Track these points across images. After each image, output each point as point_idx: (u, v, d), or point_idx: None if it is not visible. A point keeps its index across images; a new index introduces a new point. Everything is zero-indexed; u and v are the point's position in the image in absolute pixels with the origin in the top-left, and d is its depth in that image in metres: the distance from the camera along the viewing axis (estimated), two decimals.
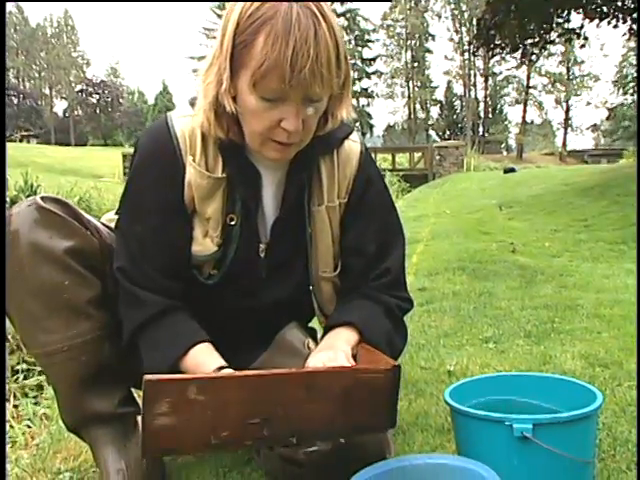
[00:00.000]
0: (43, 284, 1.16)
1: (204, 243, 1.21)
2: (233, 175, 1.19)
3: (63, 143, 48.00)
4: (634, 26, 11.31)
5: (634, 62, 47.42)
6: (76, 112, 62.99)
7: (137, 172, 1.21)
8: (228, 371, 1.09)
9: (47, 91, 64.97)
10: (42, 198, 1.20)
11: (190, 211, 1.20)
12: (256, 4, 1.01)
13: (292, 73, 0.98)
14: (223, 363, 1.12)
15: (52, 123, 60.49)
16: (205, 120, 1.12)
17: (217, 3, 52.76)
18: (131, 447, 1.26)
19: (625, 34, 11.91)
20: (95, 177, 19.45)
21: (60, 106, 67.36)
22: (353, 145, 1.27)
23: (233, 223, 1.21)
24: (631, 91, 47.84)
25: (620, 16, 11.09)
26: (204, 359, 1.13)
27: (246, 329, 1.32)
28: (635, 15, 10.98)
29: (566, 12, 11.25)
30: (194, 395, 0.90)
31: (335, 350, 1.10)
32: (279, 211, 1.23)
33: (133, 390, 1.36)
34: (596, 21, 11.23)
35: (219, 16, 53.40)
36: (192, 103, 1.19)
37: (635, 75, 45.86)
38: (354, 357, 1.13)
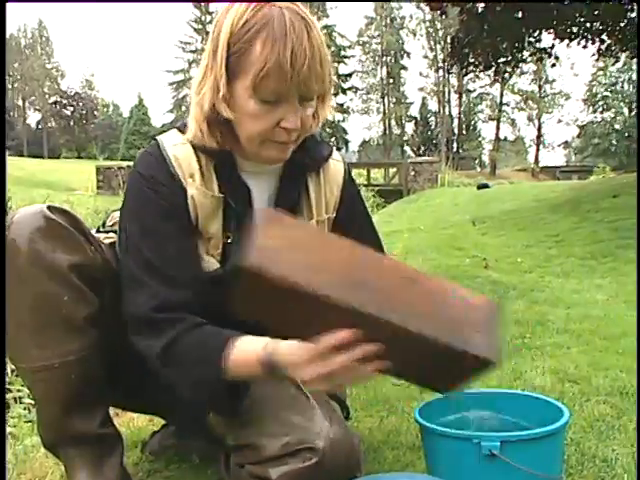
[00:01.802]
0: (41, 297, 1.13)
1: (208, 260, 1.21)
2: (227, 193, 1.20)
3: (36, 155, 47.35)
4: (602, 47, 11.60)
5: (603, 81, 48.62)
6: (50, 124, 62.25)
7: (141, 204, 1.16)
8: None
9: (20, 102, 64.12)
10: (49, 208, 1.17)
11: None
12: (248, 14, 1.06)
13: (293, 72, 1.04)
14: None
15: (25, 135, 59.68)
16: (198, 131, 1.15)
17: (194, 17, 52.85)
18: (106, 470, 1.25)
19: (594, 54, 12.20)
20: (68, 190, 19.19)
21: (33, 118, 66.57)
22: (337, 164, 1.33)
23: (230, 241, 1.21)
24: (600, 109, 48.98)
25: (589, 37, 11.38)
26: (251, 344, 1.04)
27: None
28: (604, 36, 11.28)
29: (537, 32, 11.51)
30: (301, 233, 0.91)
31: None
32: None
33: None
34: (566, 41, 11.51)
35: (195, 30, 53.45)
36: (181, 130, 1.20)
37: (605, 94, 46.97)
38: None
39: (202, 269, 1.20)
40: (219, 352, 1.04)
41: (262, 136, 1.11)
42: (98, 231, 1.34)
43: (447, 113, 53.63)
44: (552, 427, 1.12)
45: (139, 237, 1.15)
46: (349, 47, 54.67)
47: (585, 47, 11.59)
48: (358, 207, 1.37)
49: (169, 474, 1.46)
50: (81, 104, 60.89)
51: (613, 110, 49.52)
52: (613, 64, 35.65)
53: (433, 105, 57.33)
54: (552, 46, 12.13)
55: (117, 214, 1.33)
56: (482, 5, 10.95)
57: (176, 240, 1.16)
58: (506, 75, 15.02)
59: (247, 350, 1.03)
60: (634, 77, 44.51)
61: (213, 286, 1.18)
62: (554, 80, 51.21)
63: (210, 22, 46.84)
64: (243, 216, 1.19)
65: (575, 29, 11.24)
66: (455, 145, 53.67)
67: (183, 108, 52.19)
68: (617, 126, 48.70)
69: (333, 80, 1.17)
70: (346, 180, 1.33)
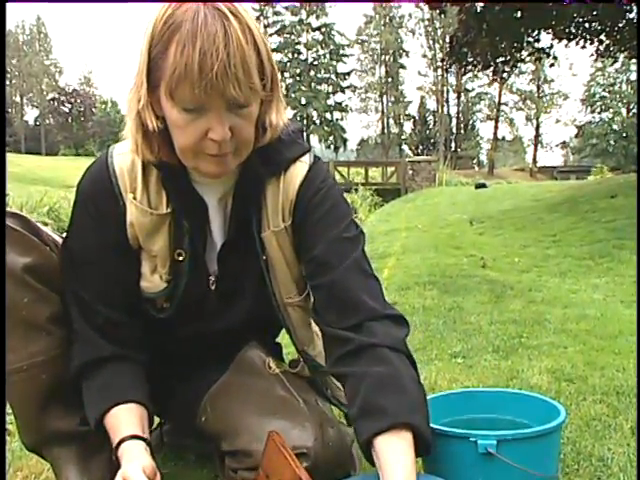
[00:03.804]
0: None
1: (152, 280, 1.20)
2: (178, 209, 1.16)
3: (34, 152, 47.21)
4: (601, 47, 11.62)
5: (601, 82, 48.67)
6: (47, 121, 62.12)
7: (77, 214, 1.19)
8: (137, 445, 1.08)
9: (18, 99, 63.95)
10: None
11: (136, 248, 1.19)
12: (168, 13, 0.97)
13: (201, 76, 0.93)
14: (136, 432, 1.10)
15: (22, 131, 59.55)
16: (134, 144, 1.08)
17: None
18: (94, 465, 1.24)
19: (592, 54, 12.22)
20: (66, 187, 19.11)
21: (31, 114, 66.61)
22: (299, 166, 1.19)
23: (181, 259, 1.18)
24: (598, 110, 49.02)
25: (588, 37, 11.40)
26: (119, 423, 1.12)
27: (204, 353, 1.31)
28: (602, 37, 11.30)
29: (536, 32, 11.52)
30: None
31: None
32: (224, 240, 1.20)
33: None
34: (565, 41, 11.52)
35: None
36: None
37: (603, 94, 47.01)
38: None
39: (132, 294, 1.20)
40: (101, 407, 1.14)
41: (193, 149, 1.03)
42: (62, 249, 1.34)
43: (445, 112, 53.65)
44: (548, 426, 1.12)
45: (68, 262, 1.19)
46: (348, 46, 54.64)
47: (584, 47, 11.61)
48: (319, 211, 1.16)
49: (165, 472, 1.46)
50: (79, 101, 60.76)
51: (611, 110, 49.59)
52: (611, 65, 35.69)
53: (431, 104, 57.43)
54: (551, 46, 12.16)
55: None
56: (481, 5, 10.95)
57: (103, 268, 1.17)
58: (504, 75, 15.04)
59: (116, 426, 1.12)
60: (632, 78, 44.62)
61: (145, 305, 1.22)
62: (552, 80, 51.34)
63: None
64: (197, 231, 1.18)
65: (574, 29, 11.26)
66: (453, 144, 53.71)
67: None
68: (615, 126, 48.77)
69: (278, 81, 1.06)
70: (304, 183, 1.17)
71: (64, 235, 1.25)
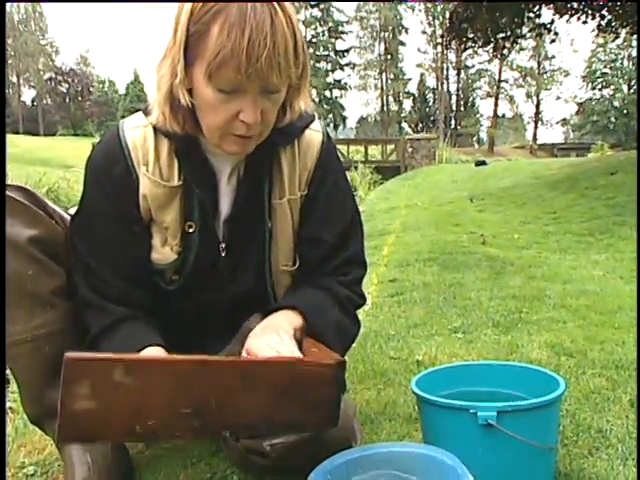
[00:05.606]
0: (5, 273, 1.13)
1: (163, 252, 1.21)
2: (190, 180, 1.18)
3: (31, 132, 46.97)
4: (602, 22, 11.50)
5: (602, 58, 48.25)
6: (45, 101, 61.68)
7: (90, 186, 1.20)
8: (158, 351, 1.08)
9: (14, 79, 63.40)
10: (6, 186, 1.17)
11: (147, 220, 1.20)
12: None
13: (248, 63, 0.96)
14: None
15: (20, 112, 59.19)
16: (160, 114, 1.10)
17: None
18: None
19: (594, 30, 12.10)
20: (64, 167, 19.05)
21: (28, 94, 66.12)
22: (314, 134, 1.24)
23: (191, 231, 1.20)
24: (599, 86, 48.67)
25: (589, 12, 11.27)
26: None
27: (211, 323, 1.31)
28: (604, 12, 11.17)
29: (537, 7, 11.39)
30: (119, 377, 0.84)
31: (279, 332, 1.06)
32: (232, 205, 1.21)
33: None
34: (566, 17, 11.40)
35: None
36: (146, 112, 1.17)
37: (604, 71, 46.61)
38: (299, 344, 1.07)
39: (142, 266, 1.20)
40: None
41: (221, 129, 1.06)
42: (71, 224, 1.34)
43: (445, 89, 53.27)
44: (548, 397, 1.13)
45: (78, 232, 1.20)
46: (347, 22, 54.09)
47: (585, 23, 11.49)
48: (330, 183, 1.24)
49: (168, 445, 1.47)
50: (76, 81, 60.28)
51: (612, 87, 49.25)
52: (613, 40, 35.34)
53: (431, 81, 57.06)
54: (552, 22, 12.05)
55: None
56: None
57: (115, 240, 1.18)
58: (505, 51, 14.92)
59: None
60: (634, 54, 44.22)
61: (155, 277, 1.23)
62: (553, 57, 50.86)
63: None
64: (208, 200, 1.19)
65: (575, 4, 11.13)
66: (453, 122, 53.46)
67: None
68: (616, 103, 48.48)
69: (308, 70, 1.08)
70: (322, 152, 1.23)
71: (72, 211, 1.25)
